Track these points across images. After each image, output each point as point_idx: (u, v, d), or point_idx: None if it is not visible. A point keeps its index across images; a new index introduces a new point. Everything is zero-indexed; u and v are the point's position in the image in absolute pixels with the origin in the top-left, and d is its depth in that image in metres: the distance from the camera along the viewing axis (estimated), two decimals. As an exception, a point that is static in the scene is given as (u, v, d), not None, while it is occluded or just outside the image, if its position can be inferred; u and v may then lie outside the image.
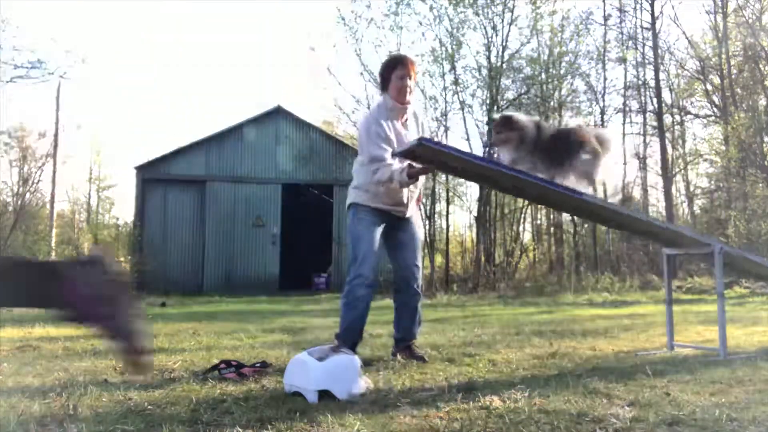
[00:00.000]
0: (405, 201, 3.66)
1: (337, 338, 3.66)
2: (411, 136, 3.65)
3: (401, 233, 3.74)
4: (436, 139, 3.10)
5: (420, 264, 3.82)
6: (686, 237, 3.91)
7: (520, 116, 3.21)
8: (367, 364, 3.48)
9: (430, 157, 3.43)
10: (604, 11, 17.80)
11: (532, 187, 3.41)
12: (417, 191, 3.79)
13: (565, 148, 3.24)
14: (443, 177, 16.27)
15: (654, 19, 16.53)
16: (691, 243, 3.99)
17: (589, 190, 3.34)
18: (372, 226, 3.61)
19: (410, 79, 3.57)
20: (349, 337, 3.60)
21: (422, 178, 3.79)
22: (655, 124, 17.64)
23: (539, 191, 3.56)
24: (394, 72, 3.56)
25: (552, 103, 16.88)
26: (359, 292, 3.53)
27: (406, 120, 3.69)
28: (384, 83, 3.64)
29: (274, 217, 15.39)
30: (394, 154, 3.46)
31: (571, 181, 3.29)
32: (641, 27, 17.49)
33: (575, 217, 18.56)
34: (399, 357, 3.69)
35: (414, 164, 3.42)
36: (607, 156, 3.35)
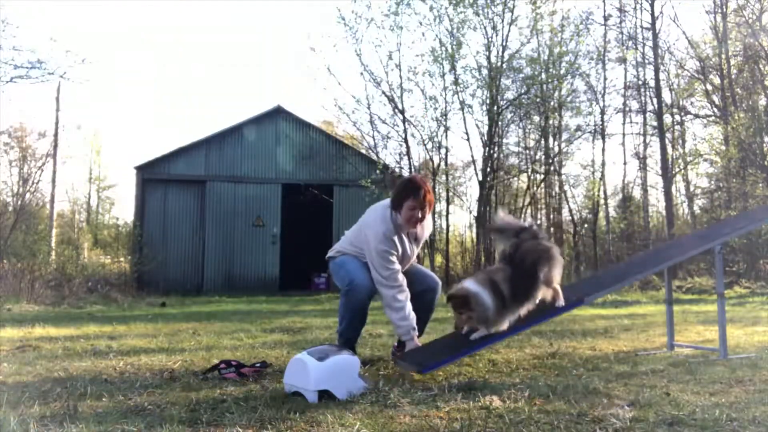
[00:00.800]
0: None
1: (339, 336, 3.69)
2: (417, 243, 3.68)
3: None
4: (432, 363, 3.06)
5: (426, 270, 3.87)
6: (688, 249, 3.91)
7: (471, 286, 3.05)
8: (367, 364, 3.48)
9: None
10: (605, 11, 17.82)
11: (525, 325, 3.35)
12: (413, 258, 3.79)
13: (526, 280, 3.15)
14: (443, 177, 16.28)
15: (654, 19, 16.54)
16: (692, 246, 3.99)
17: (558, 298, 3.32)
18: (354, 257, 3.62)
19: (422, 210, 3.46)
20: (349, 335, 3.62)
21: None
22: (655, 124, 17.65)
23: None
24: (407, 201, 3.44)
25: (552, 103, 16.88)
26: (358, 291, 3.53)
27: (415, 233, 3.65)
28: (395, 203, 3.51)
29: (274, 217, 15.40)
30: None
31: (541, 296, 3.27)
32: (641, 27, 17.51)
33: (575, 214, 18.60)
34: (399, 356, 3.69)
35: (415, 342, 3.44)
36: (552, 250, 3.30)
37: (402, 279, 3.49)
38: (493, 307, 3.01)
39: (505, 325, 3.11)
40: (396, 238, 3.49)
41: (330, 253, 3.78)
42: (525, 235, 3.29)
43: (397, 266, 3.47)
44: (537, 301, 3.26)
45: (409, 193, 3.44)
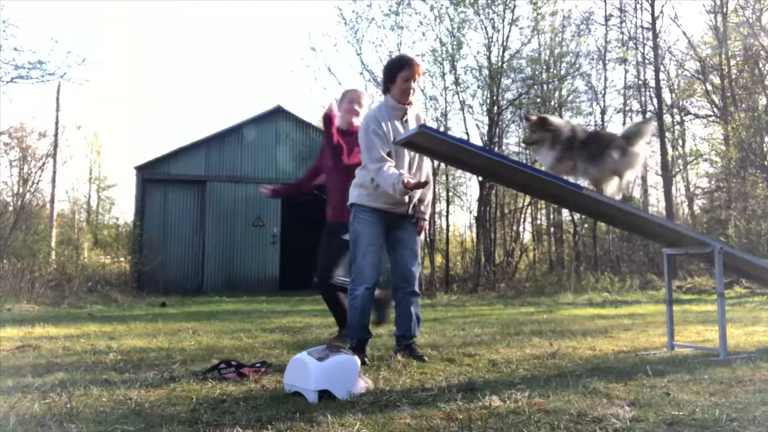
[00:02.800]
0: (406, 200, 3.68)
1: (346, 336, 3.71)
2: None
3: (401, 231, 3.76)
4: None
5: (419, 263, 3.84)
6: (687, 237, 3.92)
7: (555, 119, 3.34)
8: (367, 363, 3.48)
9: (431, 146, 3.47)
10: (605, 11, 17.81)
11: (530, 179, 3.51)
12: (419, 193, 3.79)
13: (597, 145, 3.41)
14: (443, 177, 16.27)
15: (654, 19, 16.53)
16: (692, 243, 3.99)
17: (616, 188, 3.51)
18: (372, 226, 3.64)
19: (415, 81, 3.63)
20: (354, 335, 3.63)
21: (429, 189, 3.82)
22: (655, 123, 17.65)
23: (538, 184, 3.64)
24: (400, 73, 3.59)
25: (552, 103, 16.88)
26: (359, 293, 3.55)
27: (407, 120, 3.71)
28: (387, 82, 3.66)
29: (274, 217, 15.39)
30: (394, 142, 3.52)
31: (601, 177, 3.46)
32: (641, 27, 17.51)
33: (575, 214, 18.58)
34: (399, 356, 3.70)
35: (410, 178, 3.46)
36: (635, 155, 3.50)
37: (390, 162, 3.52)
38: (565, 137, 3.24)
39: (563, 169, 3.32)
40: (388, 124, 3.59)
41: (350, 200, 3.79)
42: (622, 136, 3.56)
43: (386, 149, 3.52)
44: (599, 180, 3.42)
45: (403, 64, 3.62)
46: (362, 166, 3.69)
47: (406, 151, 3.66)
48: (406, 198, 3.65)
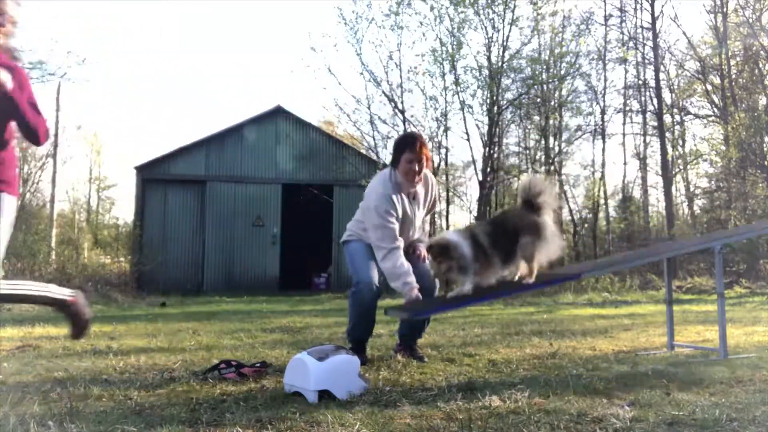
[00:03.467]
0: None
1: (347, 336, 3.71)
2: (420, 207, 3.71)
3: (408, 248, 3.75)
4: (424, 310, 3.02)
5: (430, 270, 3.86)
6: (687, 247, 3.91)
7: (451, 237, 3.08)
8: (367, 364, 3.48)
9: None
10: (605, 11, 17.81)
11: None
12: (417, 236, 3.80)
13: (505, 238, 3.15)
14: (443, 177, 16.27)
15: (654, 19, 16.53)
16: (692, 245, 3.99)
17: (546, 258, 3.27)
18: (364, 245, 3.65)
19: (419, 162, 3.51)
20: (356, 336, 3.64)
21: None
22: (655, 124, 17.66)
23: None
24: (403, 154, 3.51)
25: (552, 103, 16.87)
26: (363, 293, 3.55)
27: (415, 197, 3.68)
28: (394, 159, 3.59)
29: (274, 217, 15.39)
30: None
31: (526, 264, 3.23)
32: (641, 27, 17.51)
33: (575, 213, 18.59)
34: (399, 356, 3.70)
35: (416, 293, 3.38)
36: (548, 230, 3.24)
37: (399, 240, 3.48)
38: (471, 256, 3.01)
39: (488, 280, 3.10)
40: (395, 198, 3.52)
41: (343, 237, 3.81)
42: (525, 206, 3.29)
43: (394, 224, 3.47)
44: (518, 268, 3.23)
45: (405, 146, 3.53)
46: (362, 226, 3.64)
47: (411, 230, 3.66)
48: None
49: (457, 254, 3.00)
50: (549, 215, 3.30)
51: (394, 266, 3.39)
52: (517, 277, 3.30)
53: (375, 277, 3.56)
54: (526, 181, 3.46)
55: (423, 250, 3.74)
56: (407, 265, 3.41)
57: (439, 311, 3.03)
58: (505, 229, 3.18)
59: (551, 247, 3.24)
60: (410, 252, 3.72)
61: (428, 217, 3.94)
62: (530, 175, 3.62)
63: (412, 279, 3.38)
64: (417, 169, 3.52)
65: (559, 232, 3.32)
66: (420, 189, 3.68)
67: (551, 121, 17.35)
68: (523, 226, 3.19)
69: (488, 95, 14.83)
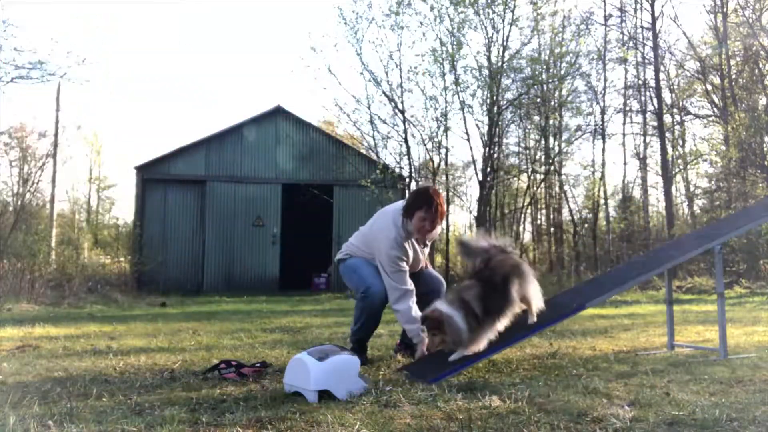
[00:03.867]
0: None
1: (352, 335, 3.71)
2: (425, 249, 3.75)
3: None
4: (429, 377, 3.02)
5: (435, 272, 3.88)
6: (688, 249, 3.90)
7: (444, 309, 3.02)
8: (367, 364, 3.48)
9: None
10: (605, 11, 17.81)
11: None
12: (424, 257, 3.82)
13: (494, 295, 3.11)
14: (443, 177, 16.28)
15: (654, 19, 16.52)
16: (692, 246, 3.99)
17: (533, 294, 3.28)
18: (365, 260, 3.66)
19: (432, 222, 3.50)
20: (360, 336, 3.65)
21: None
22: (655, 124, 17.65)
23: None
24: (418, 212, 3.47)
25: (552, 103, 16.88)
26: (374, 299, 3.55)
27: (424, 247, 3.74)
28: (407, 211, 3.54)
29: (274, 217, 15.40)
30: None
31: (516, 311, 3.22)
32: (641, 27, 17.50)
33: (575, 214, 18.59)
34: (399, 356, 3.71)
35: (423, 348, 3.41)
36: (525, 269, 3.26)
37: (410, 282, 3.52)
38: (466, 329, 3.00)
39: (482, 345, 3.09)
40: (407, 245, 3.54)
41: (339, 256, 3.81)
42: (494, 251, 3.26)
43: (406, 268, 3.51)
44: (513, 317, 3.21)
45: (422, 205, 3.47)
46: (371, 253, 3.64)
47: (422, 255, 3.69)
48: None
49: (452, 329, 2.98)
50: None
51: (409, 309, 3.44)
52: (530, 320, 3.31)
53: (383, 284, 3.56)
54: (475, 242, 3.41)
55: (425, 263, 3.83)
56: (419, 314, 3.37)
57: (453, 373, 3.07)
58: (494, 283, 3.13)
59: (537, 289, 3.27)
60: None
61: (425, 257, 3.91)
62: (471, 238, 3.55)
63: (422, 336, 3.37)
64: (429, 227, 3.51)
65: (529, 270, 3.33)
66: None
67: (551, 121, 17.36)
68: (509, 273, 3.15)
69: (488, 95, 14.84)
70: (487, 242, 3.35)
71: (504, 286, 3.12)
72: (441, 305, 3.06)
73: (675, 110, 17.98)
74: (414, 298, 3.50)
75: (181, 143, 15.50)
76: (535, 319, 3.29)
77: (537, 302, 3.29)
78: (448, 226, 18.06)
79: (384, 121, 15.49)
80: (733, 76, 16.51)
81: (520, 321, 3.29)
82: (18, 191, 22.09)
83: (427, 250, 3.85)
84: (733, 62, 16.57)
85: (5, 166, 23.95)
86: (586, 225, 18.41)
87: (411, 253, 3.57)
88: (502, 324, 3.14)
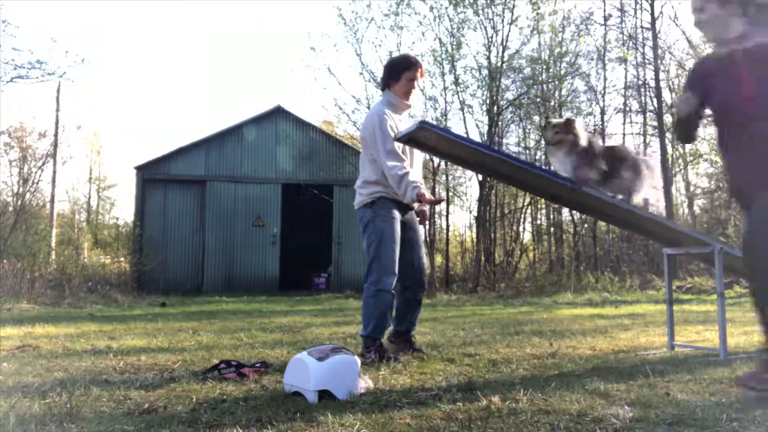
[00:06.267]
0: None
1: (366, 339, 3.66)
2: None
3: (412, 233, 3.80)
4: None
5: (425, 259, 3.87)
6: (687, 236, 3.92)
7: (580, 124, 3.41)
8: (367, 364, 3.48)
9: (430, 143, 3.49)
10: (605, 11, 17.81)
11: (530, 177, 3.54)
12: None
13: (611, 163, 3.47)
14: (443, 177, 16.27)
15: (654, 19, 16.52)
16: (692, 243, 3.99)
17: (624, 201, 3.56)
18: (394, 223, 3.64)
19: (418, 81, 3.75)
20: (377, 336, 3.62)
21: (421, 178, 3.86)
22: (655, 124, 17.64)
23: (538, 182, 3.67)
24: (405, 72, 3.71)
25: (552, 103, 16.88)
26: (389, 298, 3.55)
27: (408, 112, 3.88)
28: (389, 79, 3.73)
29: (274, 217, 15.40)
30: (395, 138, 3.53)
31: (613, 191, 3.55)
32: (641, 27, 17.49)
33: (575, 214, 18.58)
34: (399, 356, 3.70)
35: (426, 194, 3.50)
36: (648, 177, 3.59)
37: (404, 160, 3.58)
38: (583, 146, 3.33)
39: (578, 172, 3.35)
40: (396, 117, 3.67)
41: (362, 200, 3.72)
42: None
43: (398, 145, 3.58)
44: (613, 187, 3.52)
45: (409, 64, 3.73)
46: (371, 160, 3.65)
47: (408, 148, 3.67)
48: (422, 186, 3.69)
49: (578, 132, 3.33)
50: (653, 172, 3.67)
51: (400, 184, 3.50)
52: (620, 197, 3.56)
53: (396, 273, 3.58)
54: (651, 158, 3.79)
55: (426, 208, 3.89)
56: (415, 182, 3.50)
57: (469, 142, 3.45)
58: (614, 155, 3.50)
59: (647, 182, 3.58)
60: (416, 217, 3.82)
61: (421, 170, 3.96)
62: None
63: (418, 188, 3.49)
64: (415, 86, 3.74)
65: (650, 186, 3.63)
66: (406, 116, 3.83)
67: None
68: (627, 163, 3.52)
69: (488, 95, 14.84)
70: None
71: (616, 167, 3.51)
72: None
73: (675, 110, 17.96)
74: (408, 171, 3.55)
75: (181, 143, 15.51)
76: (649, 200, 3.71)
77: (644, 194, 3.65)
78: (448, 226, 18.06)
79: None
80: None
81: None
82: (18, 191, 22.06)
83: (419, 160, 3.85)
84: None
85: (5, 166, 23.94)
86: (586, 225, 18.40)
87: (401, 126, 3.63)
88: (604, 185, 3.49)
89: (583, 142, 3.36)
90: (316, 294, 13.96)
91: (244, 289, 14.28)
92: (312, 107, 67.57)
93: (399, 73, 3.71)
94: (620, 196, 3.55)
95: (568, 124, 3.39)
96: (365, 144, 3.69)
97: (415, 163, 3.74)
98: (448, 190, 16.95)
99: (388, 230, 3.58)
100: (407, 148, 3.66)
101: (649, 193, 3.64)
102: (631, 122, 19.16)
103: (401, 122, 3.72)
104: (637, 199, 3.60)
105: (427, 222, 4.01)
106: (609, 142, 3.96)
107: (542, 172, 3.51)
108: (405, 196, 3.48)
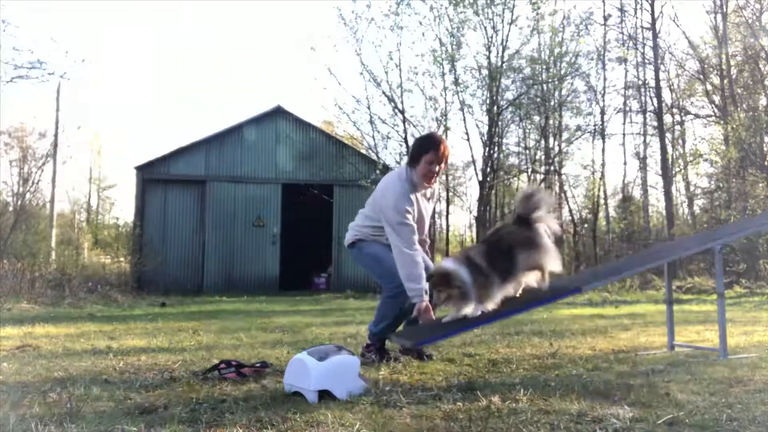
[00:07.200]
0: None
1: (373, 336, 3.67)
2: (430, 206, 3.76)
3: None
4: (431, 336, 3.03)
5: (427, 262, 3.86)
6: (687, 249, 3.90)
7: (449, 264, 3.05)
8: (367, 364, 3.48)
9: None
10: (604, 11, 17.81)
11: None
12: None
13: (501, 256, 3.11)
14: (443, 177, 16.25)
15: (654, 19, 16.53)
16: (692, 246, 3.99)
17: (540, 278, 3.26)
18: (381, 242, 3.63)
19: (440, 165, 3.53)
20: (386, 334, 3.62)
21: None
22: (655, 124, 17.65)
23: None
24: (425, 155, 3.49)
25: (552, 103, 16.88)
26: (406, 296, 3.51)
27: (430, 196, 3.74)
28: (413, 159, 3.56)
29: (274, 217, 15.39)
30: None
31: (521, 281, 3.24)
32: (641, 27, 17.51)
33: (575, 214, 18.58)
34: (400, 356, 3.70)
35: (426, 308, 3.35)
36: (545, 243, 3.22)
37: (416, 241, 3.48)
38: (471, 282, 2.98)
39: (491, 304, 3.07)
40: (413, 197, 3.53)
41: (350, 239, 3.74)
42: (519, 221, 3.28)
43: (413, 224, 3.47)
44: (521, 283, 3.23)
45: (429, 147, 3.51)
46: (373, 219, 3.62)
47: (423, 225, 3.67)
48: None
49: (458, 282, 2.97)
50: (544, 227, 3.28)
51: (414, 267, 3.35)
52: (533, 286, 3.28)
53: None
54: (523, 193, 3.38)
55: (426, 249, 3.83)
56: (424, 273, 3.36)
57: (443, 338, 3.02)
58: (500, 248, 3.14)
59: (551, 255, 3.23)
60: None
61: (428, 222, 3.92)
62: (526, 187, 3.52)
63: (423, 300, 3.33)
64: (437, 171, 3.53)
65: (554, 245, 3.27)
66: (431, 188, 3.72)
67: (551, 121, 17.36)
68: (517, 243, 3.16)
69: (488, 95, 14.84)
70: (538, 209, 3.27)
71: (510, 253, 3.12)
72: (446, 262, 3.08)
73: (675, 110, 17.98)
74: (421, 261, 3.42)
75: (181, 143, 15.51)
76: (546, 285, 3.24)
77: (551, 267, 3.25)
78: (448, 226, 18.06)
79: (384, 121, 15.49)
80: (733, 76, 16.51)
81: (515, 298, 3.28)
82: (18, 191, 22.09)
83: (429, 215, 3.81)
84: (733, 62, 16.57)
85: (5, 166, 23.95)
86: (586, 225, 18.41)
87: (416, 208, 3.54)
88: (510, 287, 3.15)
89: (466, 275, 2.98)
90: (316, 294, 13.96)
91: (244, 289, 14.27)
92: (312, 107, 67.55)
93: (419, 155, 3.50)
94: (546, 284, 3.23)
95: (448, 279, 3.00)
96: (375, 206, 3.60)
97: (420, 219, 3.66)
98: (448, 190, 16.95)
99: (378, 249, 3.61)
100: (422, 206, 3.62)
101: (551, 254, 3.23)
102: (631, 122, 19.21)
103: (428, 201, 3.71)
104: (550, 265, 3.23)
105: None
106: (490, 232, 3.42)
107: (527, 307, 3.40)
108: (409, 293, 3.40)
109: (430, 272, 3.09)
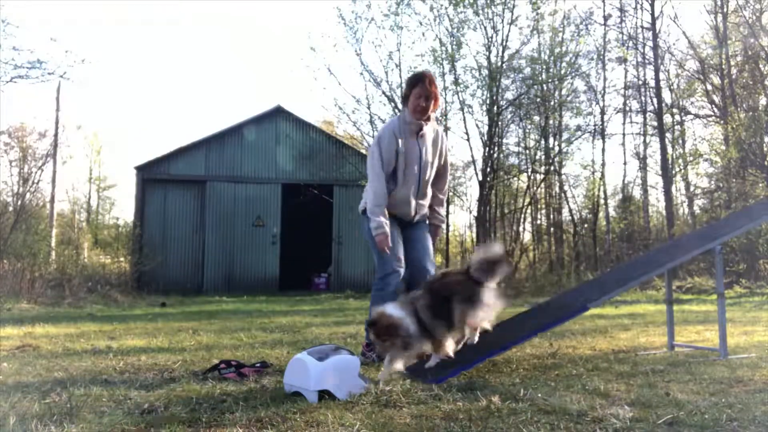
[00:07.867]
0: (412, 213, 3.80)
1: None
2: (427, 151, 3.76)
3: (412, 230, 3.84)
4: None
5: (432, 260, 3.86)
6: (689, 249, 3.90)
7: (394, 312, 2.97)
8: (367, 364, 3.48)
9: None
10: (604, 11, 17.80)
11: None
12: (425, 203, 3.86)
13: (444, 308, 3.08)
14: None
15: (654, 19, 16.51)
16: (693, 246, 3.99)
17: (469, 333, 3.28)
18: (391, 223, 3.69)
19: (427, 99, 3.63)
20: None
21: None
22: (655, 124, 17.64)
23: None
24: (413, 90, 3.65)
25: (552, 103, 16.87)
26: (393, 282, 3.60)
27: (422, 135, 3.74)
28: (405, 98, 3.73)
29: (274, 217, 15.39)
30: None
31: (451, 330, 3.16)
32: (641, 27, 17.49)
33: (575, 214, 18.59)
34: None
35: (387, 240, 3.54)
36: (481, 302, 3.13)
37: (385, 198, 3.61)
38: (416, 333, 2.96)
39: (448, 348, 3.10)
40: (401, 139, 3.64)
41: (362, 206, 3.83)
42: (465, 273, 3.21)
43: (384, 160, 3.61)
44: (462, 333, 3.24)
45: (417, 81, 3.66)
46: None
47: (416, 167, 3.69)
48: (412, 211, 3.76)
49: (402, 332, 2.92)
50: (489, 291, 3.17)
51: (373, 209, 3.57)
52: (465, 341, 3.31)
53: (399, 261, 3.62)
54: (486, 256, 3.23)
55: (441, 231, 3.99)
56: (384, 220, 3.55)
57: (467, 368, 3.06)
58: (441, 296, 3.11)
59: (484, 312, 3.16)
60: (414, 213, 3.80)
61: (445, 187, 4.00)
62: (494, 247, 3.36)
63: (383, 231, 3.53)
64: (425, 105, 3.63)
65: (496, 298, 3.18)
66: (429, 131, 3.77)
67: (551, 121, 17.36)
68: (453, 295, 3.11)
69: (488, 95, 14.83)
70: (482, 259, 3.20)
71: (448, 304, 3.09)
72: (391, 309, 3.00)
73: (675, 110, 17.98)
74: (384, 183, 3.60)
75: (181, 143, 15.51)
76: (476, 339, 3.30)
77: (482, 324, 3.25)
78: (448, 226, 18.05)
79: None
80: (733, 76, 16.51)
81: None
82: (18, 191, 22.05)
83: (436, 161, 3.83)
84: (733, 62, 16.57)
85: (5, 166, 23.93)
86: (586, 225, 18.41)
87: (403, 145, 3.63)
88: (455, 334, 3.17)
89: (412, 330, 2.93)
90: (316, 294, 13.95)
91: (244, 289, 14.28)
92: (312, 107, 67.56)
93: (409, 90, 3.68)
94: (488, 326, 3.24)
95: (390, 329, 2.91)
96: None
97: (412, 180, 3.69)
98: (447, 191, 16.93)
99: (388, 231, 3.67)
100: (405, 164, 3.65)
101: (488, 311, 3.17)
102: (631, 122, 19.20)
103: (419, 139, 3.71)
104: (476, 320, 3.18)
105: (437, 239, 4.05)
106: (440, 273, 3.41)
107: (530, 336, 3.45)
108: (371, 223, 3.58)
109: (373, 318, 2.99)
